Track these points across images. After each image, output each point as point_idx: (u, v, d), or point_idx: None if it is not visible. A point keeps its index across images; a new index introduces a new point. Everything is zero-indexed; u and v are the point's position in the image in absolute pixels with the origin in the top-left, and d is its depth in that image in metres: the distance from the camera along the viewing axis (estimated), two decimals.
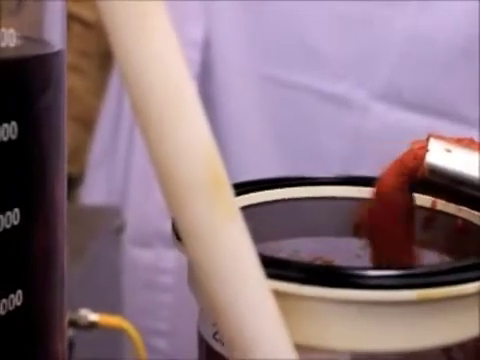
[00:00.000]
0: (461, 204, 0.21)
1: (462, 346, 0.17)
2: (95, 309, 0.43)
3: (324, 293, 0.16)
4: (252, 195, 0.22)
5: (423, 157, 0.20)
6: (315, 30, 0.60)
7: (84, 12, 0.77)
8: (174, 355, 0.65)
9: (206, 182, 0.14)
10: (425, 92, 0.59)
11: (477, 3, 0.55)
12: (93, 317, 0.40)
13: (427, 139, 0.20)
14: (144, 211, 0.65)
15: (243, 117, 0.63)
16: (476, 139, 0.20)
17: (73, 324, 0.39)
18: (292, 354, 0.14)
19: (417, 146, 0.21)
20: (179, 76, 0.14)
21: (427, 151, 0.20)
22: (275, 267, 0.15)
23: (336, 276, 0.16)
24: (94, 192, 0.68)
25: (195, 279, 0.19)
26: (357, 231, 0.23)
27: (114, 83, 0.69)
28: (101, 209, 0.63)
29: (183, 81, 0.14)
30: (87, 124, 0.74)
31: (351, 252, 0.23)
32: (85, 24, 0.77)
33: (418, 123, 0.60)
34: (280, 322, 0.14)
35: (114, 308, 0.56)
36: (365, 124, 0.60)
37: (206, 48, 0.63)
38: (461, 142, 0.20)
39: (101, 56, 0.80)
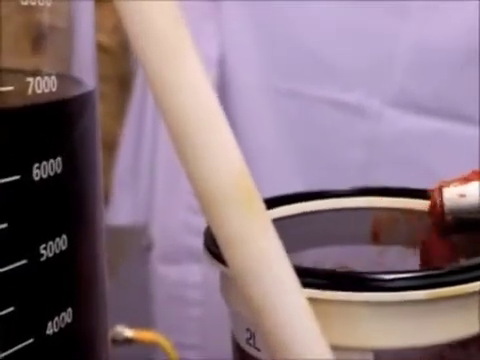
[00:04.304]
0: None
1: (476, 340, 0.19)
2: (127, 326, 0.44)
3: (345, 297, 0.17)
4: (274, 211, 0.24)
5: (441, 210, 0.21)
6: (325, 43, 0.62)
7: (101, 37, 0.79)
8: None
9: (240, 198, 0.15)
10: (436, 96, 0.60)
11: (476, 9, 0.56)
12: (129, 333, 0.42)
13: (439, 190, 0.21)
14: (169, 228, 0.67)
15: (260, 131, 0.65)
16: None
17: (111, 341, 0.41)
18: (329, 353, 0.16)
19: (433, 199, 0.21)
20: (209, 101, 0.16)
21: (443, 204, 0.21)
22: (303, 275, 0.16)
23: (354, 281, 0.17)
24: (120, 213, 0.70)
25: (230, 285, 0.20)
26: (375, 239, 0.25)
27: (134, 105, 0.71)
28: (128, 229, 0.64)
29: (213, 106, 0.16)
30: (109, 147, 0.76)
31: (371, 259, 0.24)
32: (103, 49, 0.79)
33: (431, 127, 0.61)
34: (315, 324, 0.16)
35: (146, 324, 0.58)
36: (380, 131, 0.62)
37: (221, 66, 0.64)
38: (468, 179, 0.21)
39: (119, 80, 0.83)
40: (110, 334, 0.42)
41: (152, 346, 0.46)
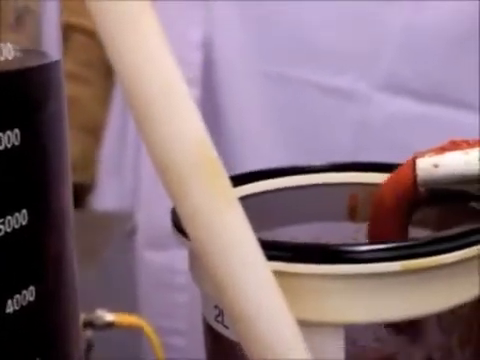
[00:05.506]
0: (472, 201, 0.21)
1: (453, 313, 0.18)
2: (112, 311, 0.44)
3: (314, 269, 0.17)
4: (246, 186, 0.23)
5: (414, 181, 0.20)
6: (314, 27, 0.61)
7: (86, 22, 0.78)
8: (193, 353, 0.66)
9: (201, 170, 0.15)
10: (426, 80, 0.60)
11: None
12: (109, 317, 0.41)
13: (413, 160, 0.20)
14: (155, 213, 0.66)
15: (248, 115, 0.64)
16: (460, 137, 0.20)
17: (90, 325, 0.40)
18: (294, 327, 0.15)
19: (404, 170, 0.20)
20: (169, 73, 0.15)
21: (416, 175, 0.20)
22: (269, 248, 0.16)
23: (324, 253, 0.17)
24: (106, 198, 0.69)
25: (198, 264, 0.20)
26: (351, 215, 0.24)
27: (119, 90, 0.70)
28: (113, 214, 0.64)
29: (173, 77, 0.15)
30: (95, 132, 0.75)
31: (347, 236, 0.24)
32: (88, 34, 0.78)
33: (421, 111, 0.60)
34: (281, 298, 0.15)
35: (130, 310, 0.57)
36: (370, 115, 0.61)
37: (207, 49, 0.64)
38: (445, 149, 0.20)
39: (105, 64, 0.82)
40: (90, 318, 0.41)
41: (136, 331, 0.46)
